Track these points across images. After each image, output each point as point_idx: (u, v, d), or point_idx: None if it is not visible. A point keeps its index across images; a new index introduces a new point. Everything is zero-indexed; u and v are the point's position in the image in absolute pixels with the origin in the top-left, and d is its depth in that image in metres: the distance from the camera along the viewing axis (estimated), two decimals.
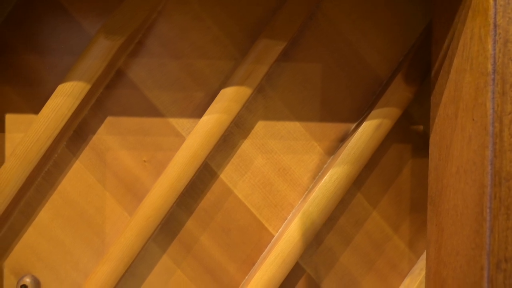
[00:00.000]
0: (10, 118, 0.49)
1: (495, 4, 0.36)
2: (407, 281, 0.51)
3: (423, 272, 0.49)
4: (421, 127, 0.51)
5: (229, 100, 0.47)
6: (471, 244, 0.38)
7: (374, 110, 0.47)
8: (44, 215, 0.50)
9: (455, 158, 0.40)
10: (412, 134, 0.51)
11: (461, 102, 0.39)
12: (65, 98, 0.46)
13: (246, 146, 0.50)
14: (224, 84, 0.49)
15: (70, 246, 0.50)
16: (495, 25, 0.35)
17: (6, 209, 0.47)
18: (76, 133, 0.50)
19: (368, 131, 0.47)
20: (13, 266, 0.50)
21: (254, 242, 0.51)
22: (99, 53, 0.47)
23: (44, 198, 0.50)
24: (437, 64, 0.43)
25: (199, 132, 0.48)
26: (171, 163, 0.48)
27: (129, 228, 0.47)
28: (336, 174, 0.47)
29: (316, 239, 0.50)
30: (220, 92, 0.48)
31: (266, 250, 0.50)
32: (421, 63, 0.48)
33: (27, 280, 0.50)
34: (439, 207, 0.43)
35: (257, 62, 0.47)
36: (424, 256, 0.50)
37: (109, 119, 0.50)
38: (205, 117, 0.47)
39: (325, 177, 0.47)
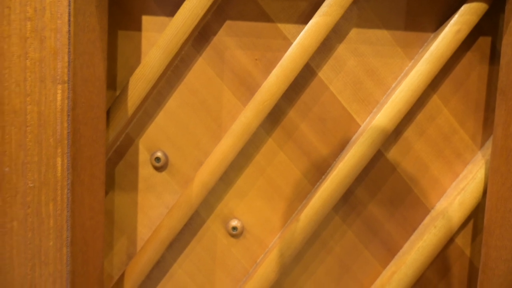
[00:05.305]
0: (145, 19, 0.59)
1: None
2: (469, 166, 0.61)
3: (484, 159, 0.59)
4: (489, 38, 0.60)
5: (335, 4, 0.56)
6: None
7: (454, 17, 0.56)
8: (172, 102, 0.60)
9: None
10: (481, 44, 0.60)
11: None
12: None
13: (341, 50, 0.60)
14: None
15: (192, 128, 0.61)
16: None
17: (146, 95, 0.58)
18: (200, 34, 0.59)
19: (449, 35, 0.56)
20: (146, 143, 0.61)
21: (344, 130, 0.61)
22: None
23: (172, 89, 0.60)
24: None
25: (307, 33, 0.57)
26: (282, 61, 0.58)
27: (248, 110, 0.58)
28: (419, 72, 0.57)
29: (395, 130, 0.60)
30: None
31: (354, 136, 0.61)
32: None
33: (159, 154, 0.60)
34: (509, 94, 0.52)
35: None
36: (485, 146, 0.60)
37: (227, 23, 0.59)
38: (314, 20, 0.56)
39: (411, 73, 0.57)
